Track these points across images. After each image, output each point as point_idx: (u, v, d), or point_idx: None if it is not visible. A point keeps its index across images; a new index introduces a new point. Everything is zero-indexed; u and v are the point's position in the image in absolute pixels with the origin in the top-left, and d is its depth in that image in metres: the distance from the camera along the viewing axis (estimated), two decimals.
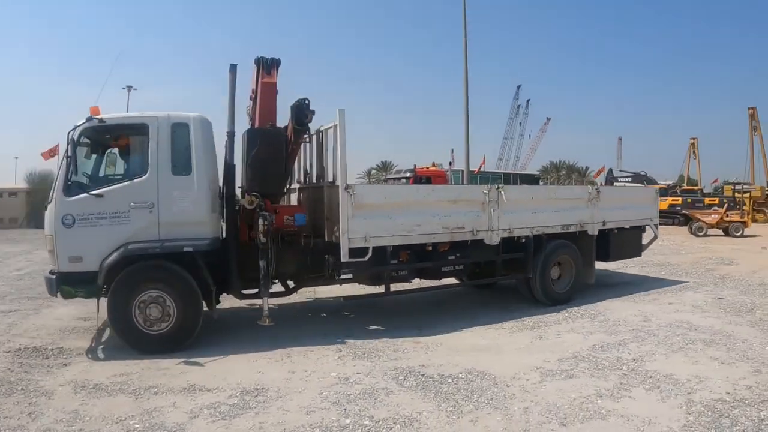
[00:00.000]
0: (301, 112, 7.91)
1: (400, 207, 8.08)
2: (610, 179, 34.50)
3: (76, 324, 8.30)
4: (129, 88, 68.23)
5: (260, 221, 7.31)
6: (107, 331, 7.70)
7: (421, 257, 8.58)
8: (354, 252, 7.62)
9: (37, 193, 32.08)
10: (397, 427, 4.72)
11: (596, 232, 10.31)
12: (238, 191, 7.97)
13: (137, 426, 4.77)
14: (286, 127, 8.26)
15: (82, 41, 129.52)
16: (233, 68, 7.81)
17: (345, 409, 5.09)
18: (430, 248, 8.49)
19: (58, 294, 6.88)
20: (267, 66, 8.36)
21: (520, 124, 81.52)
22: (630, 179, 33.91)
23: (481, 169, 39.17)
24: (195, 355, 6.77)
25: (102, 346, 7.33)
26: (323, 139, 8.70)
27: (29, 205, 33.99)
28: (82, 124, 6.99)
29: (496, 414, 5.00)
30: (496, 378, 5.93)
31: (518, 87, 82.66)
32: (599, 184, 37.82)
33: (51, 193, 7.12)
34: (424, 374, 6.07)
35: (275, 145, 8.04)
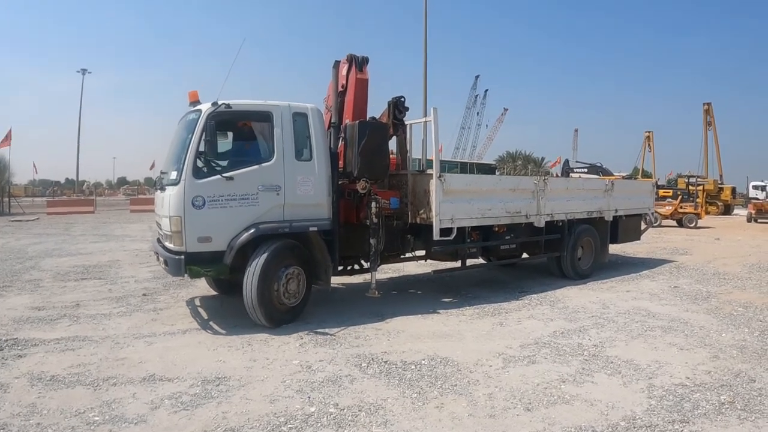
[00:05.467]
0: (398, 108, 8.90)
1: (476, 193, 9.23)
2: (567, 170, 34.89)
3: (30, 314, 7.99)
4: (83, 71, 67.10)
5: (373, 204, 8.02)
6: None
7: (486, 237, 9.81)
8: (441, 232, 8.54)
9: None
10: (362, 415, 4.65)
11: (611, 218, 11.99)
12: None
13: (97, 418, 4.58)
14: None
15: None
16: (336, 64, 8.93)
17: (309, 398, 5.01)
18: (497, 229, 9.90)
19: (186, 274, 7.09)
20: (359, 63, 8.86)
21: (478, 113, 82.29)
22: (586, 170, 34.33)
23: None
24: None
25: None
26: (405, 132, 9.41)
27: None
28: (210, 109, 7.14)
29: (461, 400, 4.98)
30: (459, 364, 5.92)
31: (476, 77, 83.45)
32: (555, 174, 38.38)
33: (166, 177, 7.50)
34: (387, 361, 6.03)
35: (382, 137, 8.53)
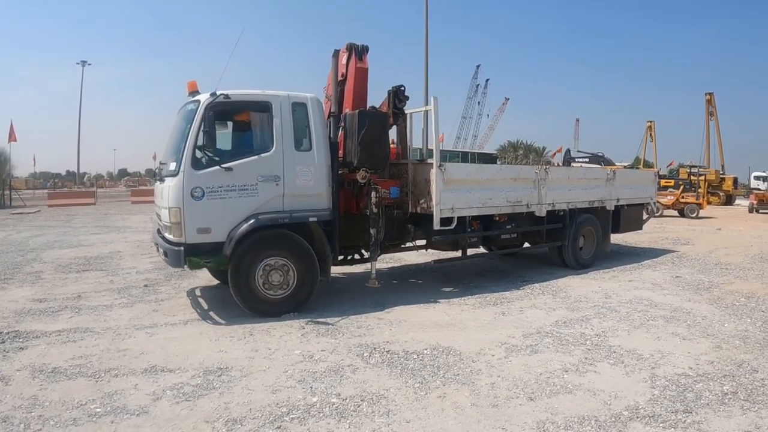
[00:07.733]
0: (398, 97, 8.81)
1: (477, 183, 9.19)
2: (568, 159, 34.85)
3: (32, 306, 7.98)
4: (83, 63, 66.88)
5: (373, 194, 8.02)
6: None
7: (487, 227, 9.78)
8: (442, 222, 8.54)
9: None
10: (364, 405, 4.64)
11: (613, 208, 11.95)
12: None
13: (98, 410, 4.57)
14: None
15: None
16: (336, 53, 8.93)
17: (311, 387, 5.00)
18: (498, 218, 9.88)
19: (186, 266, 7.10)
20: (358, 52, 8.79)
21: (479, 103, 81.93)
22: (587, 160, 34.26)
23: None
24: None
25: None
26: (406, 121, 9.35)
27: None
28: (209, 100, 7.09)
29: (464, 389, 4.97)
30: (462, 354, 5.91)
31: (477, 67, 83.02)
32: (557, 163, 38.36)
33: (165, 168, 7.51)
34: (389, 351, 6.01)
35: (382, 126, 8.45)
